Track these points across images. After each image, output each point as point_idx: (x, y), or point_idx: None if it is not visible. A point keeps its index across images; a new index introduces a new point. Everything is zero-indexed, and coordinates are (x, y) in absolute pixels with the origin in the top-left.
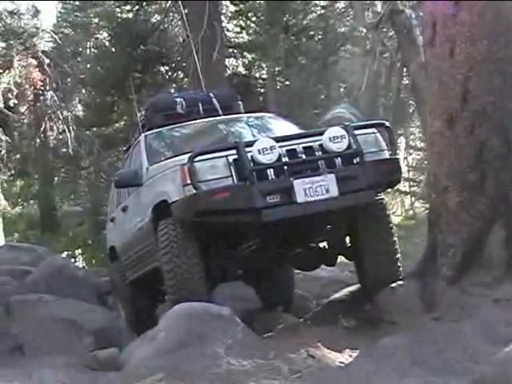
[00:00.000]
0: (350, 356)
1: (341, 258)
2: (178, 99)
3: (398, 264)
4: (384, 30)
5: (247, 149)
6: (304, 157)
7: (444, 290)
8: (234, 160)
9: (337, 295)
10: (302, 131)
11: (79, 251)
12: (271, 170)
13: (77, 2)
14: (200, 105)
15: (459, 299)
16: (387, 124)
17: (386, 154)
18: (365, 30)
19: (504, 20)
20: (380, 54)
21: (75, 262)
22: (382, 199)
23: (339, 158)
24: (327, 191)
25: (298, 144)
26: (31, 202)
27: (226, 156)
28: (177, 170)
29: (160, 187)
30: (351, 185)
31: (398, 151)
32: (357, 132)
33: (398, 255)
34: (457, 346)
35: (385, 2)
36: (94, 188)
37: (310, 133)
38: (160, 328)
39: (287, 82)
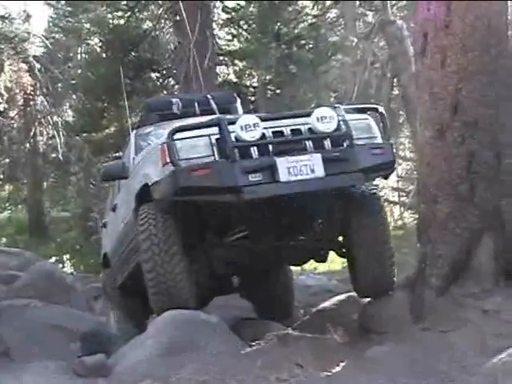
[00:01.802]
0: (338, 366)
1: (328, 267)
2: (174, 99)
3: (393, 261)
4: (375, 40)
5: (230, 127)
6: (290, 136)
7: (433, 301)
8: (217, 139)
9: (325, 304)
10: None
11: (67, 256)
12: (255, 148)
13: (68, 8)
14: (196, 105)
15: (448, 310)
16: (380, 109)
17: (379, 141)
18: (356, 40)
19: (495, 31)
20: (371, 63)
21: (63, 267)
22: (376, 191)
23: (327, 140)
24: (312, 171)
25: (284, 123)
26: (20, 206)
27: (209, 135)
28: (158, 150)
29: (142, 171)
30: (339, 166)
31: (390, 138)
32: (348, 116)
33: (393, 252)
34: (446, 356)
35: (376, 12)
36: (84, 194)
37: (298, 113)
38: (148, 334)
39: (278, 91)
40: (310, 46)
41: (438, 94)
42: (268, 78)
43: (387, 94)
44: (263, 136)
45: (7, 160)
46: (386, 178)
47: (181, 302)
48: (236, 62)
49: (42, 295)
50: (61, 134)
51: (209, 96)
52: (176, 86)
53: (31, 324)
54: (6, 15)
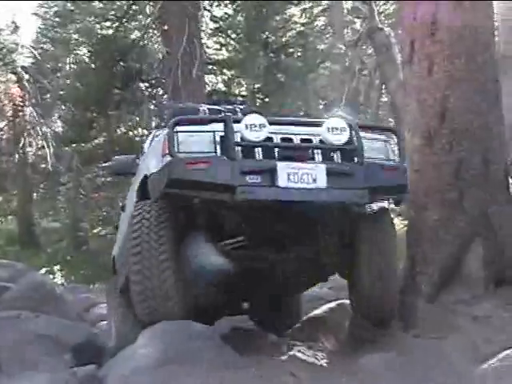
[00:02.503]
0: (331, 374)
1: None
2: (202, 108)
3: (396, 289)
4: (363, 47)
5: (237, 125)
6: (297, 142)
7: (423, 308)
8: (221, 137)
9: (317, 312)
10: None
11: (58, 267)
12: (259, 149)
13: (57, 18)
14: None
15: (439, 317)
16: (396, 129)
17: (392, 163)
18: (344, 48)
19: (482, 39)
20: (359, 71)
21: (54, 278)
22: (387, 211)
23: (336, 152)
24: (314, 181)
25: (295, 130)
26: (10, 217)
27: (214, 132)
28: (161, 142)
29: (145, 164)
30: (343, 181)
31: (405, 162)
32: (363, 133)
33: (397, 274)
34: (436, 363)
35: (364, 19)
36: (74, 204)
37: (309, 121)
38: (139, 345)
39: (267, 99)
40: (299, 54)
41: (425, 101)
42: (257, 86)
43: (376, 101)
44: (270, 139)
45: None
46: (396, 203)
47: (167, 310)
48: (224, 70)
49: (32, 306)
50: (50, 144)
51: (237, 108)
52: (165, 96)
53: (22, 335)
54: None
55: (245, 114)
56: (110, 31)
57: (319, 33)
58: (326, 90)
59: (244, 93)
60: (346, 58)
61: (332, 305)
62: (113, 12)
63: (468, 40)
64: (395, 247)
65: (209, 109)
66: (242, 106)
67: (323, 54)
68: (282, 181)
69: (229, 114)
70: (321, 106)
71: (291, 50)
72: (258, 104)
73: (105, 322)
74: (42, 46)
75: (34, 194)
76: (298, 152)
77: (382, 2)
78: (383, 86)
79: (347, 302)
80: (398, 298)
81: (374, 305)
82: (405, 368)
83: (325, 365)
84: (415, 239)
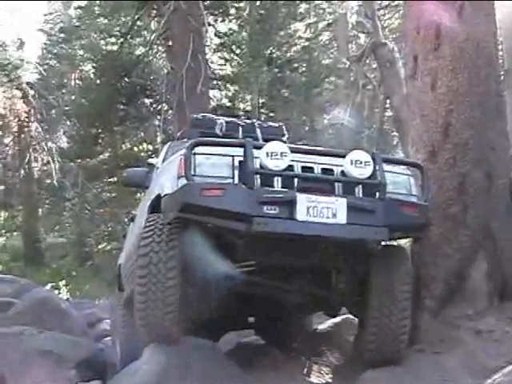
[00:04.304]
0: None
1: None
2: (220, 120)
3: (405, 334)
4: (367, 62)
5: (257, 151)
6: (318, 174)
7: (427, 323)
8: (240, 162)
9: (321, 326)
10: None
11: (63, 283)
12: (278, 178)
13: (62, 34)
14: (240, 130)
15: (442, 331)
16: (422, 165)
17: (414, 200)
18: (348, 63)
19: (484, 53)
20: (363, 86)
21: (59, 293)
22: (404, 249)
23: (359, 186)
24: (334, 216)
25: (316, 160)
26: (15, 233)
27: (233, 156)
28: (177, 161)
29: (160, 181)
30: (363, 217)
31: (429, 199)
32: (387, 167)
33: (408, 321)
34: (440, 378)
35: (368, 34)
36: (79, 219)
37: (332, 151)
38: (143, 361)
39: (271, 114)
40: (303, 69)
41: (428, 116)
42: (261, 101)
43: (380, 115)
44: (290, 168)
45: (2, 187)
46: (415, 240)
47: (165, 323)
48: (228, 86)
49: (37, 322)
50: (55, 160)
51: (256, 124)
52: (170, 112)
53: (27, 351)
54: (0, 43)
55: (263, 131)
56: (115, 47)
57: (324, 48)
58: (331, 104)
59: (248, 108)
60: (351, 73)
61: (337, 319)
62: (117, 28)
63: (471, 54)
64: (409, 285)
65: (226, 122)
66: (260, 122)
67: (328, 68)
68: (300, 214)
69: (246, 127)
70: (325, 121)
71: (295, 65)
72: (262, 119)
73: (109, 338)
74: (47, 61)
75: (40, 210)
76: (318, 184)
77: (386, 17)
78: (387, 101)
79: (352, 317)
80: (406, 341)
81: (382, 345)
82: (405, 381)
83: (329, 380)
84: (418, 253)
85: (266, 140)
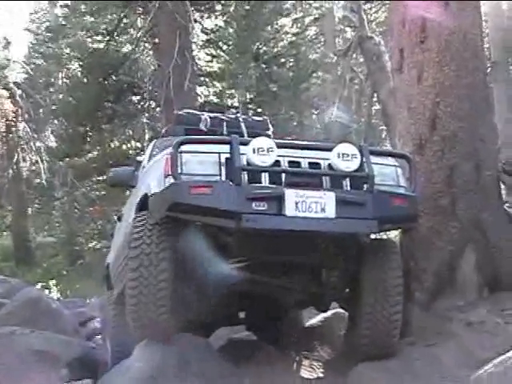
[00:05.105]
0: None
1: None
2: (204, 116)
3: (397, 328)
4: (354, 56)
5: (243, 148)
6: (305, 168)
7: (418, 315)
8: (226, 159)
9: (312, 321)
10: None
11: (53, 282)
12: (266, 174)
13: (48, 33)
14: (225, 125)
15: (433, 324)
16: (409, 156)
17: (403, 191)
18: (335, 57)
19: (471, 46)
20: (350, 80)
21: (50, 292)
22: (394, 243)
23: (346, 179)
24: (323, 210)
25: (303, 154)
26: (5, 233)
27: (219, 153)
28: (163, 160)
29: (146, 180)
30: (352, 210)
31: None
32: (374, 159)
33: (400, 315)
34: (432, 370)
35: (354, 29)
36: (68, 218)
37: (319, 145)
38: (134, 358)
39: (259, 110)
40: (290, 64)
41: (415, 108)
42: (249, 97)
43: (367, 109)
44: (277, 163)
45: None
46: (404, 233)
47: (158, 323)
48: (216, 82)
49: (28, 322)
50: (44, 159)
51: (240, 118)
52: (157, 109)
53: (18, 351)
54: None
55: (247, 126)
56: (102, 45)
57: (310, 42)
58: (319, 99)
59: (236, 104)
60: (338, 67)
61: (327, 314)
62: (104, 26)
63: (457, 47)
64: (400, 279)
65: (210, 117)
66: (244, 116)
67: (315, 63)
68: (289, 209)
69: (230, 122)
70: (314, 116)
71: (283, 60)
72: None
73: (101, 336)
74: (34, 61)
75: (29, 209)
76: (306, 178)
77: (372, 11)
78: (374, 95)
79: (342, 311)
80: (398, 335)
81: (376, 339)
82: (401, 375)
83: (321, 374)
84: (408, 246)
85: (251, 134)
